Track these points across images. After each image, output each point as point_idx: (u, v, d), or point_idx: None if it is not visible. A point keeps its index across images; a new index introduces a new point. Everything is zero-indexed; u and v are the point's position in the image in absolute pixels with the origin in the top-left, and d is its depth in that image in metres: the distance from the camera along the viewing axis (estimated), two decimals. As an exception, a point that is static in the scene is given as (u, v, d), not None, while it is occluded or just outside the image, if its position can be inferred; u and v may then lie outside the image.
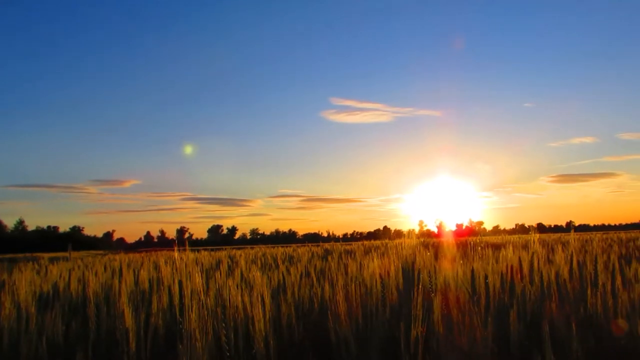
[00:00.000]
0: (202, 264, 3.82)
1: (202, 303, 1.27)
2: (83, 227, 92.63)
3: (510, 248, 1.84)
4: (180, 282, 1.50)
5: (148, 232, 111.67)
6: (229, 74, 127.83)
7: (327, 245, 11.33)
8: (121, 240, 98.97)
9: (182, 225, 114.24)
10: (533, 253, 1.80)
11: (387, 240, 12.82)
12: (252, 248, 11.83)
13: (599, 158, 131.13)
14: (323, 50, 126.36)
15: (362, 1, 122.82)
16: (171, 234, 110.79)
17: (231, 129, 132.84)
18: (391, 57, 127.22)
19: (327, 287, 2.47)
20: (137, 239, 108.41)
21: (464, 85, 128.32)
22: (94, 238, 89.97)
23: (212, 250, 11.75)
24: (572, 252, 1.79)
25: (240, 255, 7.68)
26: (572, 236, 2.10)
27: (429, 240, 12.22)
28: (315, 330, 2.26)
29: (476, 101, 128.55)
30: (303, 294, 2.63)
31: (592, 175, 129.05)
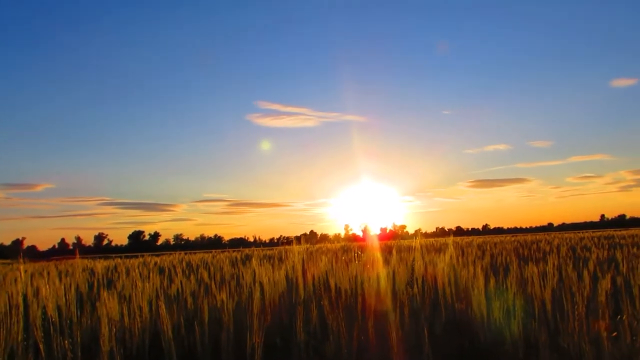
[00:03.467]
0: (98, 273, 3.63)
1: (49, 319, 1.18)
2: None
3: (394, 253, 1.88)
4: (25, 297, 1.39)
5: (63, 239, 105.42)
6: (152, 75, 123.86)
7: (247, 251, 11.23)
8: (32, 248, 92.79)
9: (101, 231, 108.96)
10: (414, 259, 1.85)
11: (308, 245, 12.88)
12: (169, 254, 11.45)
13: (511, 164, 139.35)
14: (249, 53, 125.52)
15: (288, 5, 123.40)
16: (89, 240, 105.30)
17: (153, 131, 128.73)
18: (317, 61, 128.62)
19: (222, 295, 2.42)
20: (50, 246, 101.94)
21: (388, 92, 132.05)
22: (1, 246, 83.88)
23: (126, 257, 11.26)
24: (450, 256, 1.85)
25: (155, 263, 7.41)
26: (451, 240, 2.17)
27: (349, 245, 12.43)
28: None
29: (399, 108, 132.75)
30: (201, 303, 2.56)
31: (506, 181, 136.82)
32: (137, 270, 3.56)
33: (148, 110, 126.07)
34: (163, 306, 1.44)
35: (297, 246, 1.94)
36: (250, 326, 1.27)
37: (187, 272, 5.14)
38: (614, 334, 1.74)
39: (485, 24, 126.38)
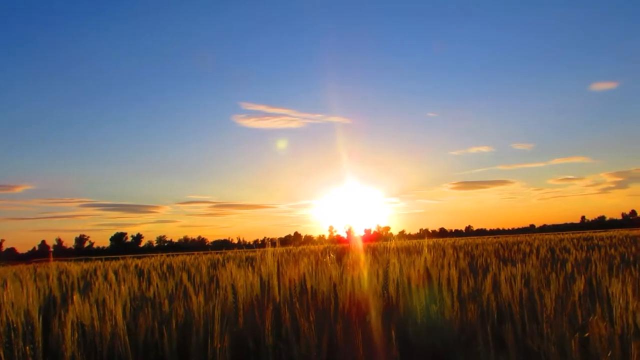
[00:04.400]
0: (74, 276, 3.58)
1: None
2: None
3: (373, 255, 1.88)
4: None
5: (43, 241, 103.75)
6: (135, 76, 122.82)
7: (229, 253, 11.19)
8: (12, 250, 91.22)
9: (82, 233, 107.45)
10: (388, 261, 1.86)
11: (291, 247, 12.87)
12: (151, 257, 11.35)
13: (494, 166, 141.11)
14: (234, 55, 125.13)
15: (272, 7, 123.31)
16: (69, 242, 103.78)
17: (136, 131, 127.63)
18: (302, 63, 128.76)
19: (200, 298, 2.40)
20: (30, 248, 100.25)
21: (373, 94, 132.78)
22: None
23: (107, 259, 11.14)
24: (424, 259, 1.86)
25: (136, 265, 7.33)
26: (426, 242, 2.18)
27: (332, 246, 12.43)
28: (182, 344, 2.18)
29: (384, 109, 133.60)
30: (176, 306, 2.53)
31: (488, 183, 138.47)
32: (111, 273, 3.52)
33: (131, 111, 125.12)
34: (120, 311, 1.42)
35: (272, 248, 1.94)
36: (212, 331, 1.26)
37: (167, 274, 5.09)
38: (586, 334, 1.76)
39: (469, 30, 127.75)
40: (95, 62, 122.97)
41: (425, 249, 1.92)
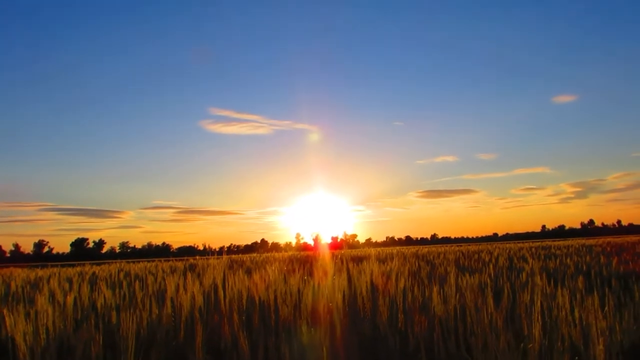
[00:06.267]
0: (18, 285, 3.45)
1: None
2: None
3: (323, 265, 1.87)
4: None
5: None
6: (101, 79, 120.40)
7: (192, 260, 11.03)
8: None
9: (41, 238, 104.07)
10: (333, 274, 1.85)
11: (255, 254, 12.77)
12: (110, 264, 11.07)
13: (459, 175, 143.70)
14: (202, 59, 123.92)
15: (241, 13, 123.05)
16: (28, 248, 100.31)
17: (100, 134, 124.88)
18: (270, 69, 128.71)
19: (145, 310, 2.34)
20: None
21: (340, 102, 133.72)
22: None
23: (62, 266, 10.81)
24: (371, 270, 1.86)
25: (94, 273, 7.13)
26: (373, 252, 2.18)
27: (298, 254, 12.39)
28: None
29: (351, 117, 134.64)
30: (123, 317, 2.46)
31: (453, 192, 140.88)
32: (54, 283, 3.40)
33: (96, 114, 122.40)
34: (58, 323, 1.36)
35: (215, 258, 1.90)
36: (126, 347, 1.23)
37: (123, 282, 4.97)
38: (530, 345, 1.79)
39: (434, 40, 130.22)
40: (57, 64, 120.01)
41: (373, 259, 1.92)
